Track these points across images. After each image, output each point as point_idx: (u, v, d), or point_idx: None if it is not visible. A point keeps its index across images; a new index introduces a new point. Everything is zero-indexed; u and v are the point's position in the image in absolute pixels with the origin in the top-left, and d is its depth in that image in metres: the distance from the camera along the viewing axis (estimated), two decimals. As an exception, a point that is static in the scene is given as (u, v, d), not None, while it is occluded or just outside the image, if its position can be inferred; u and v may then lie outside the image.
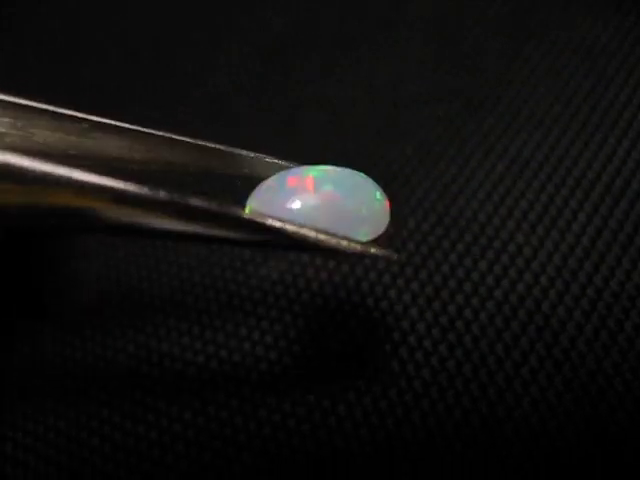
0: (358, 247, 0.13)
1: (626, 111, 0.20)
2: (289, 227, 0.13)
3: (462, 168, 0.20)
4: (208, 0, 0.29)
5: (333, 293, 0.18)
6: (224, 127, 0.24)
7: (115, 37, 0.29)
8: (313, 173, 0.13)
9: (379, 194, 0.14)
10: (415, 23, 0.25)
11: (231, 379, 0.18)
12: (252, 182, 0.14)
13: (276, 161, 0.15)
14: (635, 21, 0.23)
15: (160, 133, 0.15)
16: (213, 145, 0.15)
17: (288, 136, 0.23)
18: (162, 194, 0.12)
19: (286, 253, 0.19)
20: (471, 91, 0.22)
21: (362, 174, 0.14)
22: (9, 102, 0.14)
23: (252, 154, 0.15)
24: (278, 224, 0.12)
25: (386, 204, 0.14)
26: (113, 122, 0.14)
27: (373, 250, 0.13)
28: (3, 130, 0.14)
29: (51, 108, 0.14)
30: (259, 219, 0.12)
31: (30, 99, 0.14)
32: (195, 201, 0.12)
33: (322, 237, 0.13)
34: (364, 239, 0.13)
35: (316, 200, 0.13)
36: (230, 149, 0.15)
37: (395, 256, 0.14)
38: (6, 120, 0.14)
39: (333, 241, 0.13)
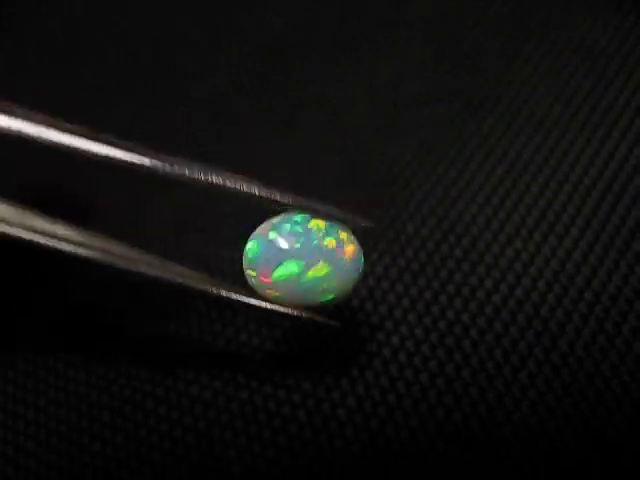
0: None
1: (626, 111, 0.20)
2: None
3: (462, 171, 0.20)
4: (208, 0, 0.29)
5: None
6: (224, 127, 0.24)
7: (115, 37, 0.29)
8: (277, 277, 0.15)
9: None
10: (415, 23, 0.25)
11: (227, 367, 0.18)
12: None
13: None
14: (635, 21, 0.23)
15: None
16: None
17: (288, 136, 0.23)
18: None
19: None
20: (471, 91, 0.22)
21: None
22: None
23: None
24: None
25: (347, 259, 0.15)
26: None
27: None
28: None
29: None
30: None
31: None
32: None
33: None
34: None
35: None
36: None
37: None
38: None
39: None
